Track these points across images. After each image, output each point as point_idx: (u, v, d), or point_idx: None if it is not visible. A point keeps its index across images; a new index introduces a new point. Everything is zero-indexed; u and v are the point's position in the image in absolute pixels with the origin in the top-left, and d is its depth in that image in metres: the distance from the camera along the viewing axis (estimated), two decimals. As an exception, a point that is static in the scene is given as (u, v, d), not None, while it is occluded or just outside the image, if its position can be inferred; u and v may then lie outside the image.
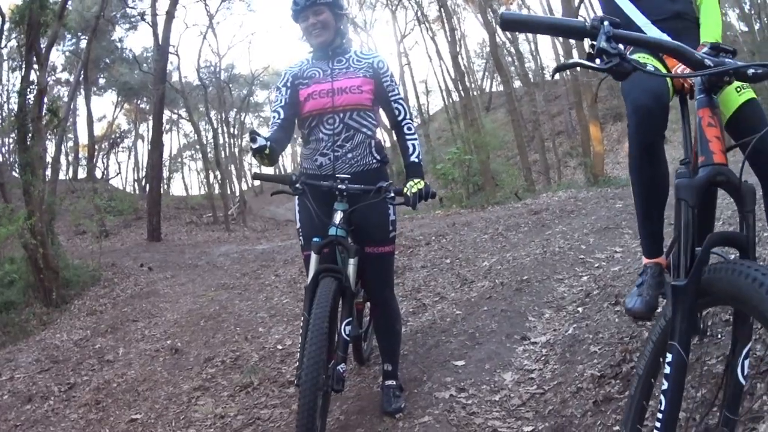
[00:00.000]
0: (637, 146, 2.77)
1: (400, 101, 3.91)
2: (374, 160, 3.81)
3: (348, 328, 3.41)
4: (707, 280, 1.70)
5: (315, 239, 3.54)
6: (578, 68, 1.94)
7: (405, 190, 3.59)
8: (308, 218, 3.74)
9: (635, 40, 1.87)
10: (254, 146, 3.31)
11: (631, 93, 2.73)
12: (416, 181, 3.62)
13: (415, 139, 3.85)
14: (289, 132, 3.85)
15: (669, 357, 1.69)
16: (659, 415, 1.71)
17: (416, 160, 3.77)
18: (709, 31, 2.95)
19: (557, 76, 43.68)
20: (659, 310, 2.89)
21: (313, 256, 3.50)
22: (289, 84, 3.84)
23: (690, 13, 3.11)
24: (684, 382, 1.72)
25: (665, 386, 1.70)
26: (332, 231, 3.52)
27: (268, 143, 3.34)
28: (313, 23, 3.67)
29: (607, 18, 1.75)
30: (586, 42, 1.82)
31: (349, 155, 3.72)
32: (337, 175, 3.61)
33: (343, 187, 3.53)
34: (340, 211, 3.55)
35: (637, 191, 2.93)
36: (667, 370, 1.69)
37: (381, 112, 3.99)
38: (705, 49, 1.91)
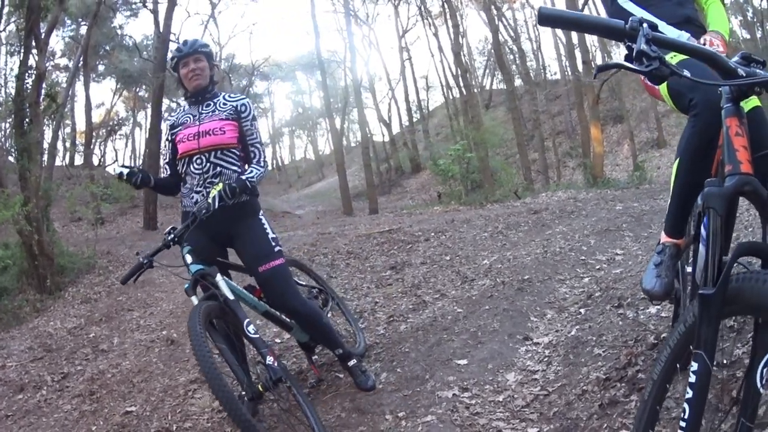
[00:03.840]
0: (702, 139, 2.66)
1: (257, 144, 4.19)
2: (244, 195, 4.03)
3: (251, 327, 3.61)
4: (734, 290, 1.67)
5: (186, 286, 3.80)
6: (619, 69, 1.89)
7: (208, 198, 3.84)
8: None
9: (673, 44, 1.83)
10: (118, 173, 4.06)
11: (701, 87, 2.62)
12: (215, 186, 3.86)
13: (259, 169, 4.10)
14: (177, 180, 4.26)
15: (694, 366, 1.67)
16: (682, 423, 1.69)
17: (243, 177, 3.98)
18: (717, 23, 2.99)
19: (558, 75, 43.81)
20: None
21: (192, 299, 3.74)
22: (170, 137, 4.23)
23: (697, 19, 3.12)
24: (708, 390, 1.69)
25: (689, 395, 1.68)
26: (192, 270, 3.79)
27: (126, 171, 4.04)
28: (193, 69, 4.07)
29: (645, 20, 1.72)
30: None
31: None
32: (165, 232, 3.88)
33: (171, 236, 3.81)
34: (186, 254, 3.84)
35: (684, 179, 2.83)
36: (692, 378, 1.67)
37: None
38: (736, 58, 1.88)
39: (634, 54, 1.71)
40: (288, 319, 4.31)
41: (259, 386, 3.50)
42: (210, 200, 3.75)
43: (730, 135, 1.84)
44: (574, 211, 10.17)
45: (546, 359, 4.21)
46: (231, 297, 3.72)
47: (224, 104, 4.13)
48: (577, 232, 8.14)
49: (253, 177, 3.98)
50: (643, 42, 1.69)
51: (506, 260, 7.24)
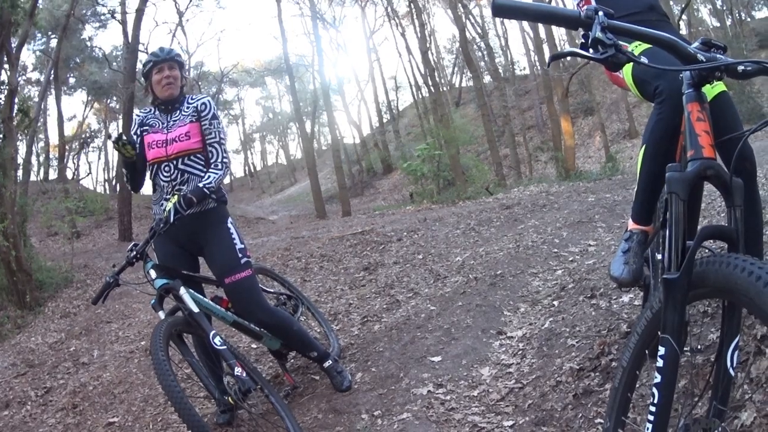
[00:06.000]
0: (667, 126, 2.67)
1: (215, 144, 4.10)
2: (212, 201, 4.05)
3: (217, 339, 3.63)
4: (699, 273, 1.68)
5: (152, 302, 3.87)
6: (574, 57, 1.89)
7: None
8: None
9: (631, 31, 1.82)
10: (115, 137, 3.89)
11: (666, 74, 2.63)
12: (170, 198, 3.87)
13: (217, 172, 4.04)
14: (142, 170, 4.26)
15: (661, 350, 1.68)
16: (652, 408, 1.70)
17: (200, 185, 3.93)
18: None
19: (527, 70, 44.01)
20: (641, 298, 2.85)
21: (159, 314, 3.81)
22: (138, 132, 4.20)
23: (660, 7, 3.13)
24: (677, 374, 1.70)
25: (658, 379, 1.68)
26: (156, 285, 3.80)
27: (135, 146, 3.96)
28: (167, 76, 4.06)
29: (601, 8, 1.71)
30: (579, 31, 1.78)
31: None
32: (127, 249, 3.86)
33: (133, 254, 3.80)
34: (149, 270, 3.84)
35: (650, 166, 2.83)
36: (660, 363, 1.68)
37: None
38: (696, 44, 1.89)
39: (589, 42, 1.71)
40: (258, 328, 4.30)
41: (229, 399, 3.58)
42: (166, 213, 3.74)
43: (691, 120, 1.85)
44: (546, 205, 10.21)
45: (520, 352, 4.22)
46: (195, 310, 3.72)
47: (187, 107, 4.10)
48: (550, 225, 8.17)
49: (210, 183, 3.93)
50: (599, 29, 1.69)
51: (479, 256, 7.25)
